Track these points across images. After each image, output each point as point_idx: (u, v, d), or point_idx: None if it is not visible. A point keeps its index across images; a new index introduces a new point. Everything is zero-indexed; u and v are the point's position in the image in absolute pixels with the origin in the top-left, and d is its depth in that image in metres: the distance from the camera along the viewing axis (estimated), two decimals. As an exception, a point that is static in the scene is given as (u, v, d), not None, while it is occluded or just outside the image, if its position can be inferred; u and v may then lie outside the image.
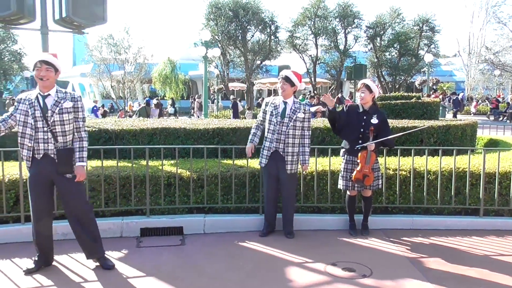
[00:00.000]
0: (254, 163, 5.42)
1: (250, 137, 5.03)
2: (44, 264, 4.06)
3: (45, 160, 3.82)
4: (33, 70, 3.82)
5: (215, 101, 28.77)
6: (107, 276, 3.94)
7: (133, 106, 23.46)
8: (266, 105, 4.96)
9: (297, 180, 5.13)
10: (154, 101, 17.47)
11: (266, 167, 4.89)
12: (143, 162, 5.35)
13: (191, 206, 5.22)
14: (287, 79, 4.85)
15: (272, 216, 5.03)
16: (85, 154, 3.96)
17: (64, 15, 6.38)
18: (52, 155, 3.82)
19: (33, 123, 3.75)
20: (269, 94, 37.54)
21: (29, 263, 4.10)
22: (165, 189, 5.14)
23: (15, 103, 3.91)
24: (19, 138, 3.82)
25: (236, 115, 19.00)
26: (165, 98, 31.51)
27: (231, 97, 24.18)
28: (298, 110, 4.83)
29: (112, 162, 5.35)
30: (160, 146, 5.61)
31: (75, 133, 3.94)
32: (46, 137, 3.78)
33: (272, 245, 4.70)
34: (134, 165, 5.17)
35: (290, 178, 4.90)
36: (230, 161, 5.52)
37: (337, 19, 23.99)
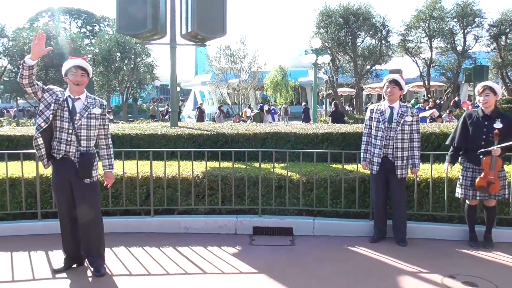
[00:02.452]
0: (365, 168, 5.39)
1: (362, 154, 4.97)
2: (76, 263, 4.17)
3: (64, 162, 3.85)
4: (65, 74, 3.84)
5: (324, 106, 28.81)
6: (223, 268, 4.24)
7: (247, 113, 24.51)
8: (372, 112, 4.90)
9: (406, 186, 4.99)
10: (266, 107, 18.14)
11: (376, 173, 4.84)
12: (256, 165, 5.63)
13: (301, 208, 5.35)
14: (396, 82, 4.77)
15: (382, 222, 4.95)
16: (113, 161, 4.09)
17: (189, 30, 7.06)
18: (73, 158, 3.83)
19: (49, 117, 3.72)
20: (379, 98, 36.29)
21: (155, 251, 4.63)
22: (276, 191, 5.35)
23: (45, 89, 3.77)
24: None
25: (306, 120, 18.96)
26: (276, 104, 32.52)
27: (303, 103, 23.97)
28: (405, 114, 4.72)
29: (228, 164, 5.73)
30: (272, 149, 5.84)
31: (103, 140, 4.01)
32: (69, 139, 3.79)
33: (383, 252, 4.61)
34: (247, 167, 5.48)
35: (400, 183, 4.80)
36: (339, 166, 5.54)
37: (455, 19, 22.24)
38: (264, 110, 17.02)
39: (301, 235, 5.17)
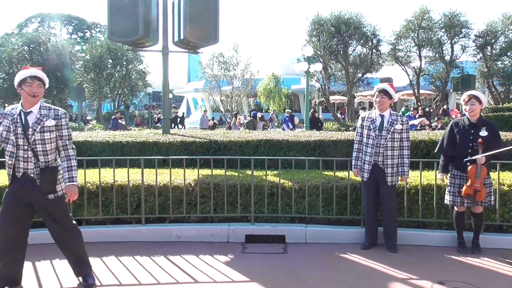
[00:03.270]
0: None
1: (353, 162, 5.03)
2: (10, 285, 3.80)
3: (24, 179, 3.61)
4: (19, 85, 3.61)
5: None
6: (215, 277, 4.23)
7: (240, 120, 24.50)
8: (363, 120, 4.97)
9: (397, 193, 5.05)
10: (259, 114, 18.19)
11: (366, 180, 4.89)
12: (249, 172, 5.64)
13: (293, 215, 5.37)
14: (385, 92, 4.87)
15: (373, 229, 4.98)
16: (75, 173, 3.74)
17: (182, 37, 7.08)
18: (32, 175, 3.61)
19: (14, 140, 3.56)
20: (370, 106, 36.60)
21: (146, 260, 4.60)
22: (269, 198, 5.36)
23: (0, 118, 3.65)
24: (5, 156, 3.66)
25: (292, 127, 19.10)
26: (268, 111, 32.65)
27: (287, 110, 24.05)
28: (395, 122, 4.82)
29: (220, 171, 5.73)
30: (264, 157, 5.85)
31: (62, 151, 3.73)
32: (26, 155, 3.57)
33: (374, 259, 4.64)
34: (240, 175, 5.49)
35: (391, 190, 4.87)
36: (331, 173, 5.57)
37: (443, 30, 22.58)
38: (258, 117, 17.07)
39: (293, 242, 5.18)
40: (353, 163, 5.04)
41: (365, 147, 4.90)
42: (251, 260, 4.69)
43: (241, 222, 5.41)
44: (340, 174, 5.62)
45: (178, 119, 31.07)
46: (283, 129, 18.65)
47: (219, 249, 4.97)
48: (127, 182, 5.30)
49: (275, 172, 5.85)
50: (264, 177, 5.43)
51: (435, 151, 5.02)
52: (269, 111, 33.34)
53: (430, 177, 5.32)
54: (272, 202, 5.39)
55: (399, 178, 4.90)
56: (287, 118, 20.64)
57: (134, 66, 29.90)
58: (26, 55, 25.71)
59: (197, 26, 7.14)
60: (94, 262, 4.50)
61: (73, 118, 28.50)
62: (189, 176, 5.55)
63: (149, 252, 4.84)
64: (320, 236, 5.21)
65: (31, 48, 25.80)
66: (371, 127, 4.86)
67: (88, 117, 34.61)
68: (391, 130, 4.79)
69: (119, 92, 29.62)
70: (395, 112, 4.99)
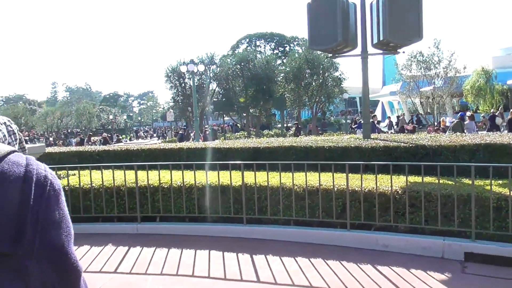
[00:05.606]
0: None
1: None
2: None
3: None
4: None
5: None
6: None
7: (445, 122, 22.34)
8: None
9: None
10: (468, 113, 16.20)
11: None
12: (466, 181, 4.94)
13: (529, 235, 4.44)
14: None
15: None
16: None
17: (381, 38, 6.79)
18: None
19: None
20: None
21: (352, 266, 4.45)
22: (494, 213, 4.56)
23: None
24: None
25: (492, 129, 15.56)
26: (478, 111, 28.92)
27: (491, 110, 19.48)
28: None
29: (430, 179, 5.19)
30: (489, 164, 5.02)
31: None
32: None
33: None
34: (456, 183, 4.85)
35: None
36: None
37: None
38: (467, 117, 15.08)
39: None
40: None
41: None
42: (474, 283, 4.06)
43: (458, 237, 4.76)
44: None
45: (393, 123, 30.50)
46: None
47: (432, 264, 4.47)
48: (332, 187, 5.27)
49: (500, 181, 4.97)
50: (488, 188, 4.65)
51: None
52: (478, 111, 29.53)
53: None
54: (498, 217, 4.56)
55: None
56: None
57: (330, 73, 30.67)
58: (238, 72, 29.60)
59: (398, 24, 6.76)
60: (302, 261, 4.65)
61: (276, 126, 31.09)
62: (395, 183, 5.19)
63: (354, 258, 4.69)
64: None
65: (242, 66, 29.47)
66: None
67: (289, 124, 37.17)
68: None
69: (316, 99, 30.77)
70: None
